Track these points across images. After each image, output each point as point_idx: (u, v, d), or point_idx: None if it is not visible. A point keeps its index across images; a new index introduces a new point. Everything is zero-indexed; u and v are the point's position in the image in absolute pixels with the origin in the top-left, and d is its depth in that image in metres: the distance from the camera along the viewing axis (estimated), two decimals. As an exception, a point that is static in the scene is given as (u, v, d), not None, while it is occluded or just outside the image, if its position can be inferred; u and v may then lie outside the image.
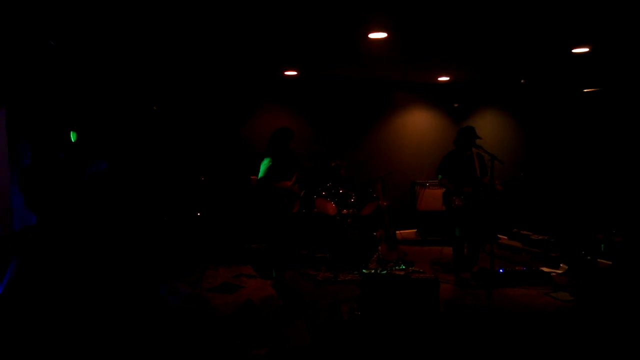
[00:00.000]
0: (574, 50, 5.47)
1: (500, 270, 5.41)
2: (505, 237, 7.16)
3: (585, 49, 5.40)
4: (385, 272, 4.37)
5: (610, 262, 5.63)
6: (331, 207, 6.62)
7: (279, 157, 5.42)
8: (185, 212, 6.59)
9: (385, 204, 6.78)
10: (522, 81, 7.18)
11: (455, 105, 8.55)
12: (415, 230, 8.03)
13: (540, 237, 6.48)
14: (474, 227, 5.63)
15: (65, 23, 4.23)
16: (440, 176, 5.79)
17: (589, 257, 5.64)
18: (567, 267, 5.84)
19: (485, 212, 5.66)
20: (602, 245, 5.54)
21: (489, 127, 7.83)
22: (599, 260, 5.69)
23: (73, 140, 4.71)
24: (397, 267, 5.96)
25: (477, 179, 5.59)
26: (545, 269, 5.70)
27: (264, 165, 5.37)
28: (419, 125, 8.47)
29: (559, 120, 6.63)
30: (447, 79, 7.85)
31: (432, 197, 7.65)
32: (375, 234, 6.32)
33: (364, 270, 5.74)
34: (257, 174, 5.43)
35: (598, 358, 3.68)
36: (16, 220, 4.78)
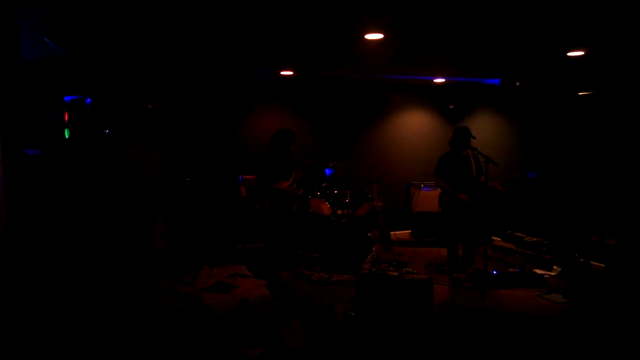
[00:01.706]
0: (569, 54, 5.50)
1: (494, 272, 5.43)
2: (499, 239, 7.19)
3: (581, 52, 5.44)
4: (379, 273, 4.37)
5: (604, 265, 5.67)
6: (326, 207, 6.62)
7: (278, 158, 5.42)
8: (179, 211, 6.57)
9: (380, 204, 6.79)
10: (517, 83, 7.21)
11: (451, 106, 8.58)
12: (409, 231, 8.05)
13: (534, 239, 6.50)
14: (469, 229, 5.65)
15: (61, 19, 4.20)
16: (437, 177, 5.80)
17: (582, 260, 5.67)
18: (560, 269, 5.86)
19: (480, 214, 5.67)
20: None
21: (484, 128, 7.85)
22: (592, 262, 5.73)
23: (66, 137, 4.70)
24: (391, 268, 5.96)
25: (473, 180, 5.61)
26: (538, 271, 5.73)
27: (264, 164, 5.36)
28: (414, 126, 8.49)
29: (553, 122, 6.67)
30: (443, 80, 7.87)
31: (427, 198, 7.66)
32: (370, 234, 6.33)
33: (358, 271, 5.76)
34: (252, 174, 5.42)
35: (590, 360, 3.71)
36: (9, 217, 4.75)
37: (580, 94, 6.24)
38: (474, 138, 5.57)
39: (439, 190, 5.85)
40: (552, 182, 6.63)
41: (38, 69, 5.85)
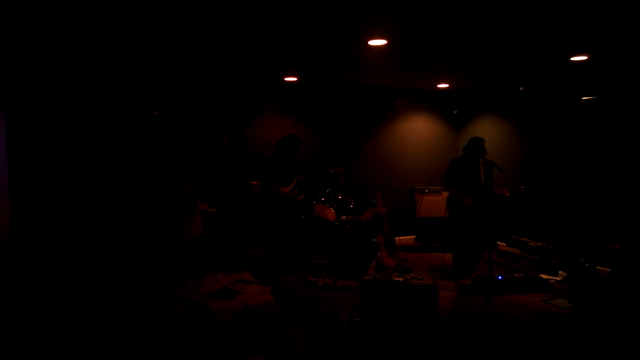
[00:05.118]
0: (573, 58, 5.49)
1: (499, 277, 5.41)
2: (504, 244, 7.16)
3: (584, 57, 5.43)
4: (384, 278, 4.36)
5: (609, 270, 5.63)
6: (330, 213, 6.62)
7: (282, 162, 5.44)
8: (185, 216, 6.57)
9: (384, 210, 6.79)
10: (521, 88, 7.21)
11: (455, 112, 8.58)
12: (414, 236, 8.03)
13: (539, 244, 6.47)
14: (475, 234, 5.64)
15: (66, 26, 4.24)
16: (446, 181, 5.80)
17: (587, 264, 5.64)
18: (565, 274, 5.84)
19: (486, 219, 5.67)
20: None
21: (488, 134, 7.83)
22: (597, 267, 5.69)
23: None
24: (396, 274, 5.96)
25: (481, 186, 5.62)
26: (544, 276, 5.70)
27: (268, 167, 5.38)
28: (418, 131, 8.49)
29: (557, 127, 6.65)
30: (447, 86, 7.88)
31: (431, 203, 7.65)
32: (374, 240, 6.32)
33: (363, 277, 5.75)
34: (257, 179, 5.43)
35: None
36: (13, 223, 4.78)
37: (583, 98, 6.23)
38: (486, 153, 5.58)
39: (443, 195, 5.84)
40: (557, 186, 6.60)
41: (42, 77, 5.90)
